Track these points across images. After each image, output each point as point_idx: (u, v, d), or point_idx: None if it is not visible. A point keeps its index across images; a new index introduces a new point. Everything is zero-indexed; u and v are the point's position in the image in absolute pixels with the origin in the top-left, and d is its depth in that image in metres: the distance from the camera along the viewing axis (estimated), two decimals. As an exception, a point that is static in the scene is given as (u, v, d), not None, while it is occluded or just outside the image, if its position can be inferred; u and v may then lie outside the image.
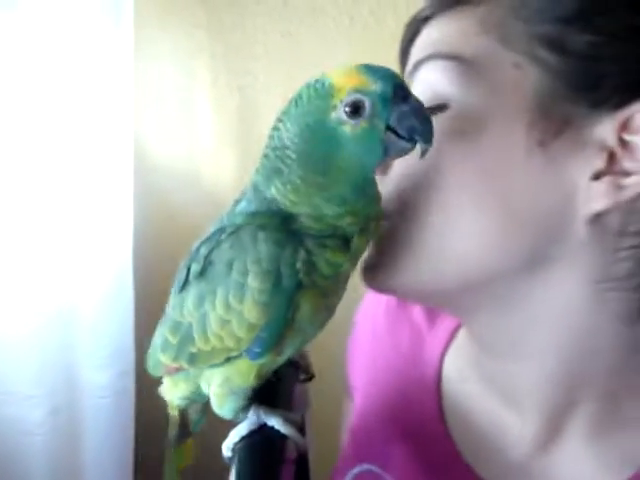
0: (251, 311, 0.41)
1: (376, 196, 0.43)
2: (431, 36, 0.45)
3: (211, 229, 0.45)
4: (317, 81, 0.40)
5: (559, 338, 0.42)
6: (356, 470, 0.52)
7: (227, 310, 0.42)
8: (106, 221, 1.11)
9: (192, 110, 1.30)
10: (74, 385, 1.13)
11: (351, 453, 0.54)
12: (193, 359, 0.45)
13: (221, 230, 0.44)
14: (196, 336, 0.44)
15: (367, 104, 0.38)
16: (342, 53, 1.10)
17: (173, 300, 0.47)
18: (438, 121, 0.41)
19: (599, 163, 0.38)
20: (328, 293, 0.43)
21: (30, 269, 1.02)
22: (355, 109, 0.38)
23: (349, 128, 0.38)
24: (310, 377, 0.54)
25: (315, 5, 1.13)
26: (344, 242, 0.42)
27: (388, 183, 0.46)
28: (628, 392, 0.43)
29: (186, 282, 0.45)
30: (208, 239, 0.45)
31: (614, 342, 0.42)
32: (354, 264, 0.45)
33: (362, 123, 0.38)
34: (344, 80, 0.39)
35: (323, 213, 0.41)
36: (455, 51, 0.42)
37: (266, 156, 0.43)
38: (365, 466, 0.52)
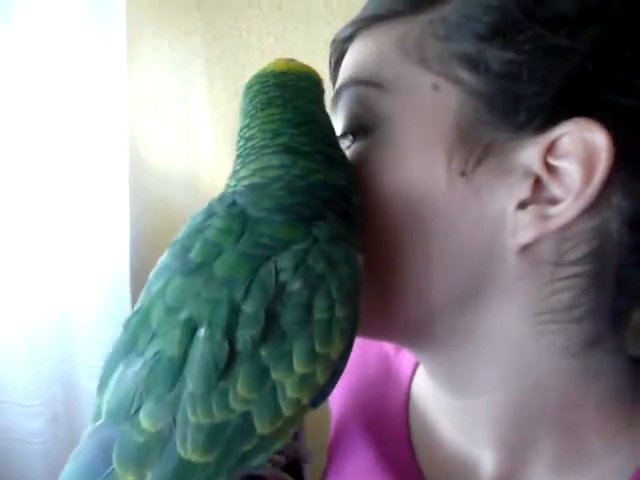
0: (338, 346, 0.33)
1: None
2: (352, 58, 0.42)
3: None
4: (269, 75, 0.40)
5: (505, 373, 0.40)
6: None
7: (311, 363, 0.32)
8: (102, 228, 1.11)
9: (189, 116, 1.30)
10: (73, 393, 1.12)
11: (326, 473, 0.53)
12: (247, 456, 0.33)
13: (269, 272, 0.32)
14: (257, 424, 0.32)
15: None
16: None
17: (202, 409, 0.31)
18: (358, 151, 0.39)
19: (524, 191, 0.35)
20: None
21: (26, 276, 1.01)
22: None
23: None
24: None
25: (309, 9, 1.14)
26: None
27: None
28: (592, 428, 0.40)
29: (225, 367, 0.31)
30: (251, 291, 0.32)
31: (561, 375, 0.39)
32: None
33: None
34: None
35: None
36: (373, 76, 0.39)
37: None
38: None
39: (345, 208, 0.36)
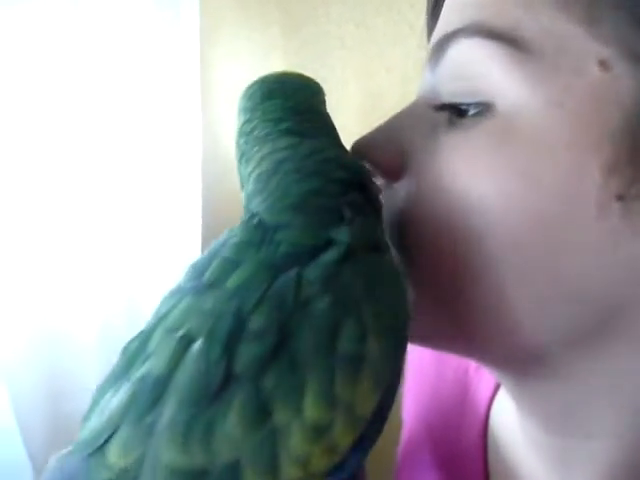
0: (366, 395, 0.25)
1: None
2: None
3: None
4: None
5: (626, 417, 0.34)
6: None
7: (328, 407, 0.24)
8: (175, 219, 1.13)
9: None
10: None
11: None
12: None
13: (296, 281, 0.25)
14: None
15: None
16: (421, 41, 1.04)
17: (179, 443, 0.23)
18: (460, 135, 0.29)
19: None
20: None
21: (99, 269, 1.04)
22: None
23: None
24: None
25: (391, -7, 1.08)
26: None
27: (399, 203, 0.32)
28: None
29: (217, 391, 0.23)
30: (262, 301, 0.25)
31: None
32: None
33: None
34: None
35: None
36: (508, 27, 0.28)
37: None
38: None
39: (368, 197, 0.30)
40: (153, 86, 1.06)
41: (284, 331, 0.24)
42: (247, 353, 0.24)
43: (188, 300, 0.26)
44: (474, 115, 0.29)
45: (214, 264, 0.27)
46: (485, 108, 0.29)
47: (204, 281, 0.26)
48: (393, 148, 0.33)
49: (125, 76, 1.02)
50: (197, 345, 0.24)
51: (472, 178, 0.29)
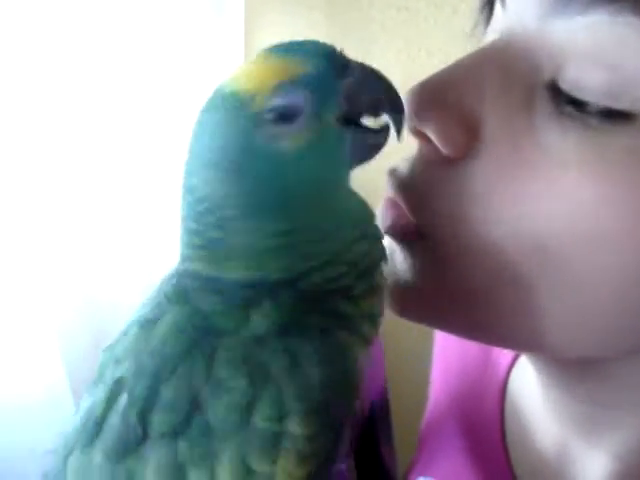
0: (290, 469, 0.24)
1: (365, 216, 0.30)
2: None
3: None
4: (215, 97, 0.28)
5: None
6: None
7: (241, 477, 0.24)
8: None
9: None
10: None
11: (416, 462, 0.51)
12: None
13: (211, 343, 0.26)
14: None
15: (300, 99, 0.26)
16: (464, 24, 1.03)
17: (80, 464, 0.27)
18: (612, 146, 0.24)
19: None
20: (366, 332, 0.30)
21: (141, 243, 1.06)
22: (286, 116, 0.26)
23: (287, 141, 0.26)
24: None
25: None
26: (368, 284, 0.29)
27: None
28: None
29: (137, 440, 0.25)
30: (188, 356, 0.26)
31: None
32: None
33: (305, 129, 0.26)
34: (255, 80, 0.26)
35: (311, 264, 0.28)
36: None
37: (193, 233, 0.29)
38: (424, 479, 0.47)
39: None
40: (198, 72, 1.07)
41: (196, 401, 0.25)
42: (160, 420, 0.25)
43: (135, 331, 0.29)
44: (611, 119, 0.24)
45: (155, 300, 0.30)
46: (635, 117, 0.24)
47: (148, 313, 0.29)
48: (464, 117, 0.28)
49: (171, 64, 1.03)
50: (123, 399, 0.26)
51: (604, 204, 0.24)
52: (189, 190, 0.29)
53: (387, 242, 0.32)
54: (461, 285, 0.30)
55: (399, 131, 0.29)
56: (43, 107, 0.92)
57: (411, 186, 0.31)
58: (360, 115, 0.29)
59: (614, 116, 0.24)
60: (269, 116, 0.26)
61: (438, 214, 0.29)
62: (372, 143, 0.29)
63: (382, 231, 0.31)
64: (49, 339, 0.92)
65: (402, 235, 0.31)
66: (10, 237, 0.91)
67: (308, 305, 0.27)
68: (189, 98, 1.05)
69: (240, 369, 0.25)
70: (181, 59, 1.07)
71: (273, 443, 0.24)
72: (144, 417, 0.25)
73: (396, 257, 0.32)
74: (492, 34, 0.31)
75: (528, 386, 0.43)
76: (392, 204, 0.32)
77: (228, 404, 0.25)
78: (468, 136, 0.28)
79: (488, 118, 0.28)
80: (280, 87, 0.26)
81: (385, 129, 0.29)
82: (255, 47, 1.21)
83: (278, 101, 0.26)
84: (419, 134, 0.30)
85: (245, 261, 0.28)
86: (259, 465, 0.24)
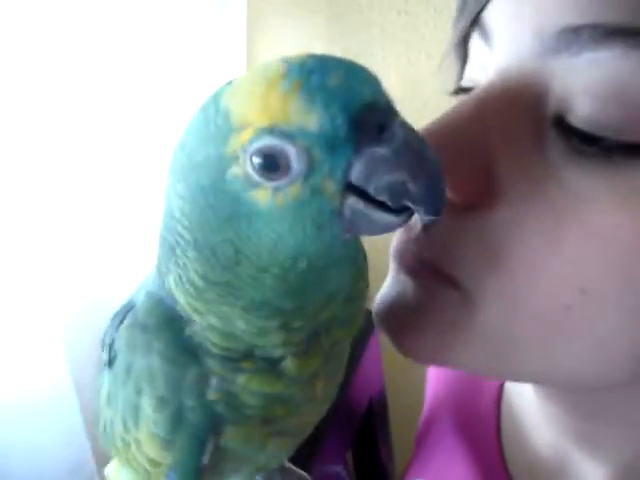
0: (148, 444, 0.30)
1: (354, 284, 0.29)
2: None
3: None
4: (213, 101, 0.24)
5: None
6: None
7: (125, 431, 0.32)
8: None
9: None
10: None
11: (412, 461, 0.51)
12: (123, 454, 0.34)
13: (128, 306, 0.33)
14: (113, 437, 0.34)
15: (293, 155, 0.21)
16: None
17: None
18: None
19: None
20: (273, 419, 0.30)
21: (146, 246, 1.08)
22: (271, 164, 0.22)
23: (266, 196, 0.22)
24: None
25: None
26: (271, 363, 0.28)
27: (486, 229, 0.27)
28: None
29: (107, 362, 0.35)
30: (117, 314, 0.34)
31: None
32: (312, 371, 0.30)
33: (291, 187, 0.22)
34: (253, 106, 0.22)
35: (234, 328, 0.27)
36: None
37: (163, 225, 0.29)
38: None
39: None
40: (201, 73, 1.08)
41: (114, 348, 0.34)
42: (103, 355, 0.35)
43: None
44: (634, 153, 0.23)
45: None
46: None
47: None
48: (474, 163, 0.26)
49: (173, 65, 1.03)
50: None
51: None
52: (166, 192, 0.28)
53: (398, 277, 0.30)
54: (492, 331, 0.28)
55: (426, 227, 0.24)
56: (49, 114, 0.93)
57: (431, 238, 0.28)
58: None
59: (636, 149, 0.23)
60: (251, 157, 0.22)
61: (467, 263, 0.27)
62: (382, 223, 0.23)
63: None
64: (53, 337, 0.93)
65: (419, 273, 0.29)
66: (15, 236, 0.92)
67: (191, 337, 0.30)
68: (192, 100, 1.06)
69: (127, 334, 0.32)
70: (183, 60, 1.07)
71: (135, 411, 0.30)
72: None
73: (409, 295, 0.29)
74: (478, 70, 0.30)
75: (524, 392, 0.43)
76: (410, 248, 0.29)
77: (121, 359, 0.32)
78: (482, 182, 0.26)
79: (501, 163, 0.26)
80: (272, 131, 0.21)
81: (405, 212, 0.23)
82: (257, 48, 1.21)
83: (265, 145, 0.22)
84: None
85: (183, 287, 0.28)
86: (130, 424, 0.31)
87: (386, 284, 0.31)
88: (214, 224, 0.24)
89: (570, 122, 0.24)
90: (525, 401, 0.43)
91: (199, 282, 0.27)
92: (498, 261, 0.26)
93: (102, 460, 0.42)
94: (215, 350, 0.28)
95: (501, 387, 0.46)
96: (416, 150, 0.22)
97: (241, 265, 0.25)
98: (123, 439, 0.32)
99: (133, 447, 0.31)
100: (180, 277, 0.28)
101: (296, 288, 0.26)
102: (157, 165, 1.06)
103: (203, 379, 0.28)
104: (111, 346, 0.33)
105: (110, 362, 0.33)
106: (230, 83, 0.24)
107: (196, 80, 1.07)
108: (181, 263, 0.27)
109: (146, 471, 0.32)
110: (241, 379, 0.28)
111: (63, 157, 0.96)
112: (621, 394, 0.32)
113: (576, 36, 0.23)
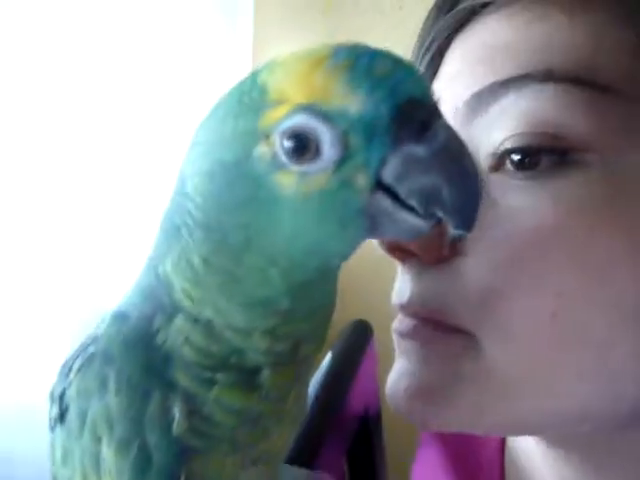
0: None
1: (327, 303, 0.28)
2: (530, 39, 0.27)
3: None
4: (251, 76, 0.23)
5: None
6: None
7: None
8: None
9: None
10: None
11: None
12: None
13: (78, 352, 0.30)
14: None
15: (327, 138, 0.20)
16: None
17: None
18: (567, 184, 0.26)
19: None
20: (242, 445, 0.28)
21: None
22: (301, 145, 0.20)
23: (291, 180, 0.21)
24: None
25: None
26: (247, 374, 0.27)
27: (462, 272, 0.29)
28: None
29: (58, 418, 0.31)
30: (65, 363, 0.31)
31: None
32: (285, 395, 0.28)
33: (319, 175, 0.21)
34: (291, 83, 0.21)
35: (224, 324, 0.26)
36: (589, 72, 0.25)
37: (171, 203, 0.27)
38: None
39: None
40: (207, 82, 1.08)
41: (65, 399, 0.30)
42: (52, 410, 0.32)
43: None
44: (556, 166, 0.26)
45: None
46: (571, 155, 0.26)
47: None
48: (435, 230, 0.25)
49: (176, 66, 1.04)
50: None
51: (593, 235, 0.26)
52: (181, 169, 0.27)
53: (402, 349, 0.31)
54: (500, 371, 0.28)
55: (454, 240, 0.24)
56: (62, 125, 0.93)
57: (422, 294, 0.29)
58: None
59: (558, 164, 0.26)
60: (282, 135, 0.21)
61: (462, 305, 0.28)
62: (408, 226, 0.22)
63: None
64: (59, 344, 0.93)
65: (420, 331, 0.30)
66: (21, 246, 0.93)
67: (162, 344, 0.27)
68: (196, 103, 1.05)
69: (80, 376, 0.29)
70: (186, 61, 1.06)
71: (95, 460, 0.27)
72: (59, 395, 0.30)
73: (415, 366, 0.31)
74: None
75: (528, 443, 0.41)
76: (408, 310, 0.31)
77: (75, 407, 0.29)
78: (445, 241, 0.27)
79: None
80: (310, 109, 0.20)
81: (431, 218, 0.22)
82: (262, 59, 1.23)
83: (299, 124, 0.20)
84: (393, 252, 0.30)
85: (181, 270, 0.26)
86: (91, 476, 0.28)
87: (392, 370, 0.32)
88: (230, 205, 0.23)
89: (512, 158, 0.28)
90: (530, 452, 0.42)
91: (200, 266, 0.25)
92: (485, 295, 0.28)
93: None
94: (190, 356, 0.26)
95: (502, 441, 0.45)
96: (456, 155, 0.21)
97: (250, 252, 0.23)
98: None
99: None
100: (180, 258, 0.26)
101: (297, 288, 0.24)
102: (167, 175, 1.07)
103: (167, 410, 0.26)
104: (62, 398, 0.30)
105: (61, 416, 0.30)
106: (271, 61, 0.23)
107: (202, 85, 1.07)
108: (184, 243, 0.26)
109: None
110: (213, 392, 0.26)
111: (76, 166, 0.96)
112: (625, 445, 0.32)
113: (479, 98, 0.27)
